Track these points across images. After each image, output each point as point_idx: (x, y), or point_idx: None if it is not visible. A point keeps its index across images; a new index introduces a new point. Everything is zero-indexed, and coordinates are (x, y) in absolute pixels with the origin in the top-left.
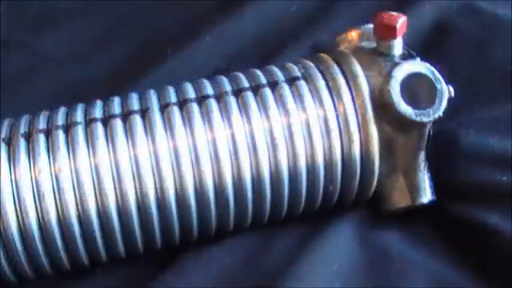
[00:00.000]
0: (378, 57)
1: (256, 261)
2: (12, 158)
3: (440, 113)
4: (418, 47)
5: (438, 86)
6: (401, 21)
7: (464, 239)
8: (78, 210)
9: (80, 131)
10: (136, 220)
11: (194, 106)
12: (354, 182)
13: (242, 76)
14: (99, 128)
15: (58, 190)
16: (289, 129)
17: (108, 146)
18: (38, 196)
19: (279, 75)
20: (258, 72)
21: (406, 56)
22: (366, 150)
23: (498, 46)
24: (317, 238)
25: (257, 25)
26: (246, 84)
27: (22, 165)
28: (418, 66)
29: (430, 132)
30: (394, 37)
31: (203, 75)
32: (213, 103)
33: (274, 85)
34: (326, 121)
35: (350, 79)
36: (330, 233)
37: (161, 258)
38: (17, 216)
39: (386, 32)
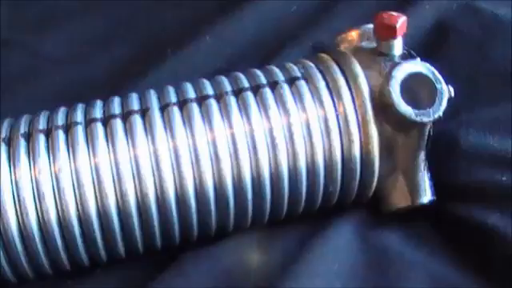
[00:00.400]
0: (378, 57)
1: (256, 261)
2: (12, 158)
3: (440, 113)
4: (418, 47)
5: (438, 86)
6: (401, 21)
7: (464, 239)
8: (77, 209)
9: (80, 131)
10: (136, 220)
11: (194, 106)
12: (353, 182)
13: (241, 76)
14: (99, 128)
15: (58, 190)
16: (289, 129)
17: (108, 145)
18: (38, 196)
19: (279, 75)
20: (258, 72)
21: (406, 56)
22: (366, 150)
23: (498, 46)
24: (317, 238)
25: (257, 25)
26: (245, 84)
27: (22, 165)
28: (418, 66)
29: (430, 132)
30: (394, 37)
31: (203, 75)
32: (213, 103)
33: (273, 85)
34: (325, 121)
35: (350, 79)
36: (330, 233)
37: (161, 258)
38: (17, 216)
39: (386, 32)
